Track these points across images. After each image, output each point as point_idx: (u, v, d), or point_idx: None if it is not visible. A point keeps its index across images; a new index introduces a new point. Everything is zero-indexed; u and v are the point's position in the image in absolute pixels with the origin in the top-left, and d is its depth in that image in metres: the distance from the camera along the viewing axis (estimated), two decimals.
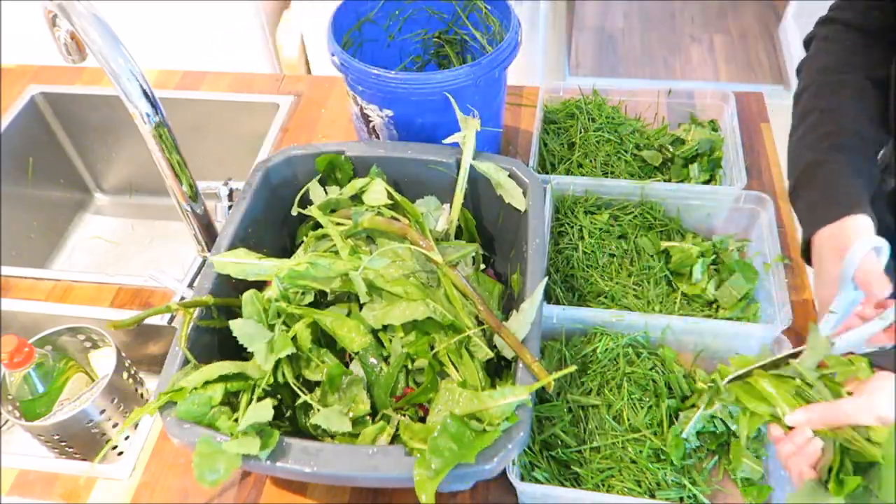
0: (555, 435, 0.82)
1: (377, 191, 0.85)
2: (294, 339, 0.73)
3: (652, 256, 0.99)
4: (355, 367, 0.76)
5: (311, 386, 0.76)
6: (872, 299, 0.65)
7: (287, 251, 0.94)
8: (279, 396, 0.75)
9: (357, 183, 0.86)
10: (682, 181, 1.09)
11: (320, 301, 0.82)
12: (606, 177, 1.08)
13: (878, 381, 0.61)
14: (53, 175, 1.41)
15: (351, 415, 0.72)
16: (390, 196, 0.85)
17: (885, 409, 0.59)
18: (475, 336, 0.75)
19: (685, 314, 0.93)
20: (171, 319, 1.00)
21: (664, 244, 0.99)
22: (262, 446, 0.62)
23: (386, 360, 0.76)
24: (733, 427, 0.82)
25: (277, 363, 0.71)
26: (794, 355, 0.71)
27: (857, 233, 0.68)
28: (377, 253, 0.79)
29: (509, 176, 0.85)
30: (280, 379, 0.72)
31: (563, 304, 0.91)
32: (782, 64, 2.87)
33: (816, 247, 0.73)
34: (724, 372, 0.82)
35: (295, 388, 0.72)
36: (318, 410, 0.71)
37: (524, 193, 0.84)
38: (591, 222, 1.01)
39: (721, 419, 0.82)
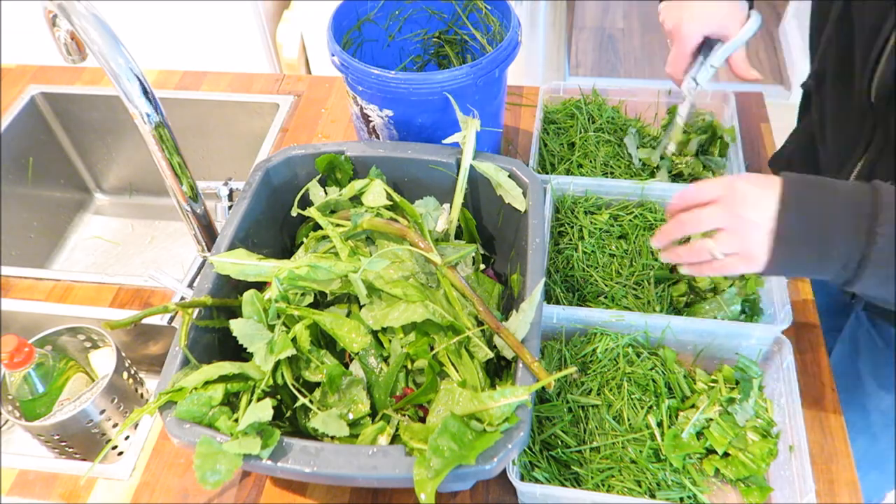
0: (555, 435, 0.82)
1: (376, 192, 0.85)
2: (294, 339, 0.73)
3: (652, 255, 0.98)
4: (355, 367, 0.76)
5: (310, 387, 0.76)
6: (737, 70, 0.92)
7: (287, 251, 0.94)
8: (279, 397, 0.75)
9: (357, 184, 0.86)
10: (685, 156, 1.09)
11: (320, 301, 0.82)
12: (606, 177, 1.08)
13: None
14: (53, 175, 1.41)
15: (351, 416, 0.72)
16: (389, 197, 0.85)
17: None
18: (475, 336, 0.75)
19: (685, 314, 0.93)
20: (172, 319, 1.00)
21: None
22: (263, 446, 0.62)
23: (386, 360, 0.76)
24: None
25: (277, 364, 0.71)
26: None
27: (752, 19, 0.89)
28: (376, 255, 0.79)
29: (509, 176, 0.85)
30: (279, 380, 0.72)
31: (563, 304, 0.91)
32: (782, 64, 2.87)
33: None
34: (726, 371, 0.85)
35: (293, 390, 0.72)
36: (316, 413, 0.71)
37: (524, 193, 0.84)
38: (591, 222, 1.01)
39: (718, 423, 0.82)
